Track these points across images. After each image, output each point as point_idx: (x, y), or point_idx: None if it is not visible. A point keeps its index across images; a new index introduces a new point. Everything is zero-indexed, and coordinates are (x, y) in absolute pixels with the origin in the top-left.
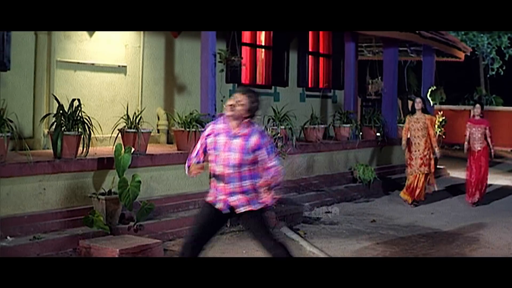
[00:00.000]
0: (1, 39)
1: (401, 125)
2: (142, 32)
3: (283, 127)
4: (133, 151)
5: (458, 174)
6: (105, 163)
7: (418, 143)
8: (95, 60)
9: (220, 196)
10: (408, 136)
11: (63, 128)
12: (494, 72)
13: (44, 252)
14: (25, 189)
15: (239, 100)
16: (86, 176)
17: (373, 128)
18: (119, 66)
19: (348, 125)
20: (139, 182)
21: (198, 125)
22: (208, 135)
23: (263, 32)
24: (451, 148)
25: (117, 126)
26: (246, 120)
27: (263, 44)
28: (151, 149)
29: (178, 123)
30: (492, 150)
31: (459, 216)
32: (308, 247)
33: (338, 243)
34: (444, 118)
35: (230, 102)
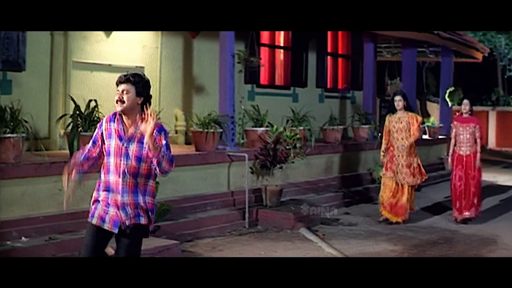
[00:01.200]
0: (16, 40)
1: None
2: (160, 32)
3: (302, 128)
4: None
5: None
6: None
7: (402, 146)
8: (112, 61)
9: (110, 212)
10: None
11: (79, 129)
12: (511, 73)
13: (60, 252)
14: (40, 189)
15: (124, 89)
16: None
17: None
18: (136, 67)
19: (367, 126)
20: (157, 183)
21: (216, 126)
22: (101, 134)
23: (282, 33)
24: None
25: None
26: (141, 117)
27: (281, 44)
28: None
29: (196, 124)
30: (478, 155)
31: (476, 217)
32: (326, 248)
33: (356, 244)
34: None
35: (116, 96)
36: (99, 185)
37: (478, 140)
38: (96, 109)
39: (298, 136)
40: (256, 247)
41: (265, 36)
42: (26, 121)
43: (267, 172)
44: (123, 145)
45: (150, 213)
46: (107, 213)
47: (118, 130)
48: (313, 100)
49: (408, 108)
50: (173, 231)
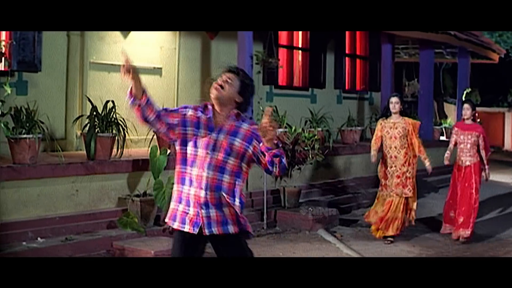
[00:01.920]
0: (32, 41)
1: (436, 127)
2: (177, 33)
3: (320, 129)
4: (169, 153)
5: (493, 177)
6: (140, 165)
7: (395, 157)
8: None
9: (190, 210)
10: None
11: (96, 130)
12: None
13: (76, 253)
14: (57, 190)
15: (228, 78)
16: (121, 178)
17: None
18: (154, 68)
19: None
20: (173, 183)
21: None
22: (185, 120)
23: (300, 34)
24: None
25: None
26: (235, 111)
27: (300, 46)
28: None
29: None
30: (486, 168)
31: (493, 219)
32: (344, 250)
33: (374, 246)
34: (478, 120)
35: (218, 81)
36: (177, 193)
37: (483, 152)
38: (113, 110)
39: (316, 137)
40: (274, 248)
41: (283, 37)
42: (42, 122)
43: (286, 173)
44: (211, 136)
45: (238, 217)
46: (187, 213)
47: (207, 120)
48: (331, 101)
49: (403, 112)
50: None
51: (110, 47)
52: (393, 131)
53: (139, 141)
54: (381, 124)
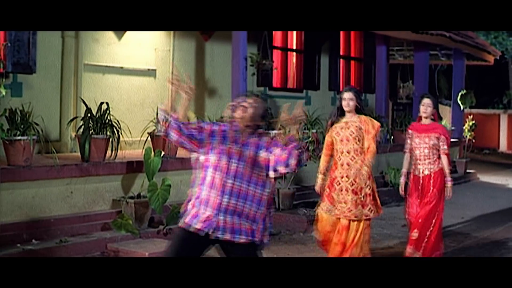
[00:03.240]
0: (27, 42)
1: None
2: (172, 35)
3: (314, 130)
4: (163, 155)
5: (488, 178)
6: (134, 167)
7: (348, 164)
8: (124, 64)
9: (206, 211)
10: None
11: (91, 132)
12: None
13: (71, 255)
14: (51, 192)
15: (252, 102)
16: (115, 180)
17: (404, 132)
18: (148, 69)
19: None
20: (169, 185)
21: None
22: (212, 131)
23: (294, 36)
24: (481, 153)
25: (146, 129)
26: (259, 131)
27: (294, 47)
28: (182, 152)
29: None
30: (448, 180)
31: (488, 221)
32: None
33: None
34: (474, 122)
35: (244, 103)
36: (196, 195)
37: (445, 158)
38: (107, 111)
39: (311, 139)
40: (269, 250)
41: (277, 39)
42: (37, 124)
43: (280, 175)
44: (238, 147)
45: (261, 226)
46: (199, 214)
47: (233, 136)
48: (326, 103)
49: (360, 110)
50: None
51: (104, 49)
52: (345, 132)
53: (133, 142)
54: (331, 127)
